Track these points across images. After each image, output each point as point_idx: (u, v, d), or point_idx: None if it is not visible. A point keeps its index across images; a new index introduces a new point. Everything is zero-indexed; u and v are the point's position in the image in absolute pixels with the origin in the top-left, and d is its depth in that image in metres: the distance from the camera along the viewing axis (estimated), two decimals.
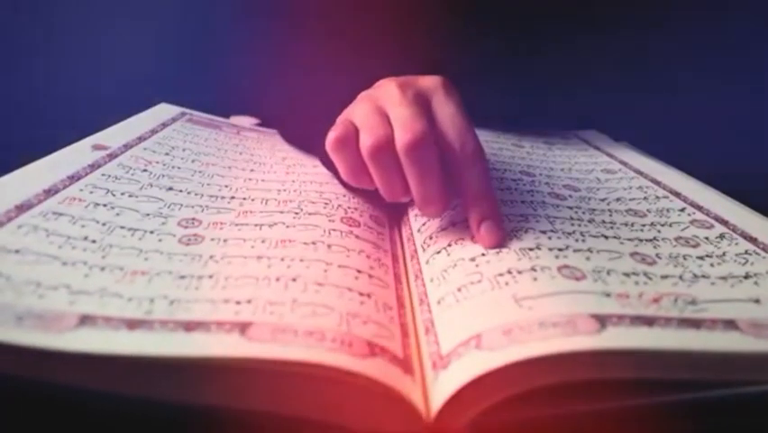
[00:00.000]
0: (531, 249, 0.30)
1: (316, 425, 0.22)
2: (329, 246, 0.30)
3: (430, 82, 0.33)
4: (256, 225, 0.32)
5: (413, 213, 0.38)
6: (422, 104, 0.31)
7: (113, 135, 0.42)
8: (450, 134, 0.31)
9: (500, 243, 0.31)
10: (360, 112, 0.32)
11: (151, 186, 0.36)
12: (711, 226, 0.36)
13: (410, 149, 0.30)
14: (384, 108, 0.32)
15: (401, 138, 0.30)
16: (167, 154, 0.41)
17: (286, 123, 0.51)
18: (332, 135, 0.31)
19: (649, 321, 0.24)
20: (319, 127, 0.37)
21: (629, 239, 0.33)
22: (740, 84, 0.54)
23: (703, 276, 0.30)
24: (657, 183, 0.43)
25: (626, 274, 0.29)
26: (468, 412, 0.22)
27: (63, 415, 0.22)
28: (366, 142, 0.30)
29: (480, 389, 0.22)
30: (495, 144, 0.48)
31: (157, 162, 0.40)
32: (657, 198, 0.40)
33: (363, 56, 0.45)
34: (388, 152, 0.30)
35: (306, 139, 0.46)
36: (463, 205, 0.32)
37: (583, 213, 0.36)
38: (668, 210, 0.38)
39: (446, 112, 0.31)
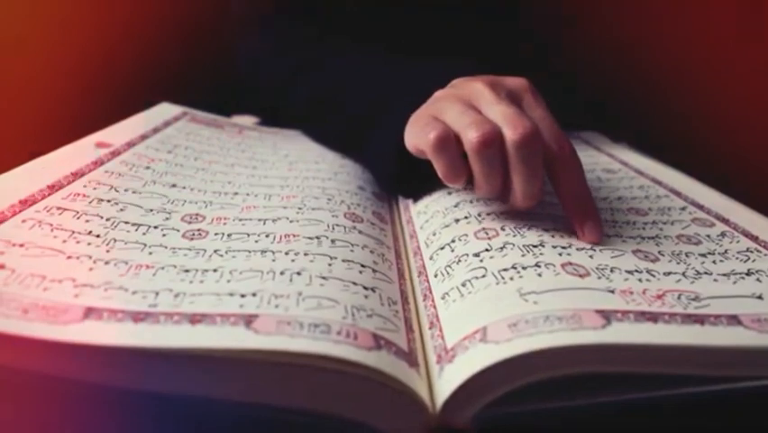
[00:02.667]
0: (535, 246, 0.30)
1: (322, 417, 0.22)
2: (333, 241, 0.30)
3: (518, 83, 0.33)
4: (260, 220, 0.32)
5: (415, 210, 0.38)
6: (516, 102, 0.32)
7: (115, 133, 0.42)
8: (547, 136, 0.31)
9: (601, 239, 0.32)
10: (452, 111, 0.32)
11: (155, 183, 0.36)
12: (712, 225, 0.36)
13: (522, 145, 0.29)
14: (478, 107, 0.32)
15: (512, 134, 0.30)
16: (169, 152, 0.41)
17: (318, 123, 0.50)
18: (433, 135, 0.31)
19: (653, 317, 0.25)
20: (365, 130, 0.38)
21: (631, 237, 0.33)
22: (740, 83, 0.55)
23: (706, 273, 0.30)
24: (658, 183, 0.43)
25: (630, 271, 0.29)
26: (473, 405, 0.22)
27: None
28: (473, 138, 0.30)
29: (485, 382, 0.22)
30: None
31: (160, 160, 0.40)
32: (658, 197, 0.40)
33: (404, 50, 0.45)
34: (496, 147, 0.30)
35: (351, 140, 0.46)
36: (564, 205, 0.33)
37: None
38: (669, 209, 0.38)
39: (538, 114, 0.32)
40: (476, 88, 0.33)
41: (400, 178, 0.40)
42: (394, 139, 0.36)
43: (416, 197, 0.40)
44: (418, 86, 0.37)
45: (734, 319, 0.25)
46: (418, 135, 0.32)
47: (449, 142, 0.31)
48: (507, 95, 0.32)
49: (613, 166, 0.47)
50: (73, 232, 0.28)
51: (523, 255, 0.29)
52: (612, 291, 0.26)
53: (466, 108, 0.32)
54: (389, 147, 0.38)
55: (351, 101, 0.45)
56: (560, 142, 0.31)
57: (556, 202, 0.37)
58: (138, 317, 0.22)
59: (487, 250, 0.30)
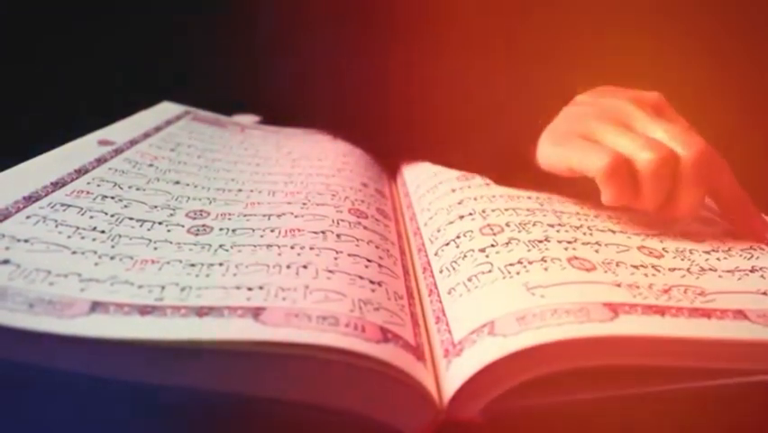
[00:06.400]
0: (540, 241, 0.30)
1: (329, 411, 0.22)
2: (338, 236, 0.30)
3: (656, 98, 0.34)
4: (264, 215, 0.32)
5: (419, 207, 0.38)
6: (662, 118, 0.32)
7: (118, 131, 0.42)
8: None
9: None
10: (608, 132, 0.32)
11: (158, 180, 0.36)
12: (715, 223, 0.36)
13: (699, 164, 0.30)
14: (631, 125, 0.32)
15: (689, 154, 0.30)
16: (172, 150, 0.41)
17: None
18: (607, 162, 0.30)
19: (661, 310, 0.25)
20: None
21: (636, 234, 0.33)
22: (740, 83, 0.55)
23: (710, 269, 0.30)
24: None
25: (635, 266, 0.29)
26: (481, 399, 0.22)
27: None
28: (652, 159, 0.30)
29: (493, 375, 0.22)
30: None
31: (163, 158, 0.40)
32: None
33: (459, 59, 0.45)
34: (673, 168, 0.30)
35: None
36: (725, 211, 0.34)
37: (589, 208, 0.36)
38: None
39: (684, 126, 0.33)
40: (623, 106, 0.33)
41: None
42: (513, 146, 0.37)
43: None
44: (537, 97, 0.37)
45: (740, 314, 0.25)
46: (580, 159, 0.32)
47: (622, 167, 0.31)
48: (656, 111, 0.33)
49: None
50: (78, 228, 0.28)
51: (528, 250, 0.29)
52: (619, 285, 0.26)
53: (622, 128, 0.32)
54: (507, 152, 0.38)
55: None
56: (713, 155, 0.31)
57: (558, 198, 0.37)
58: (145, 310, 0.22)
59: (492, 245, 0.30)
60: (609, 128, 0.32)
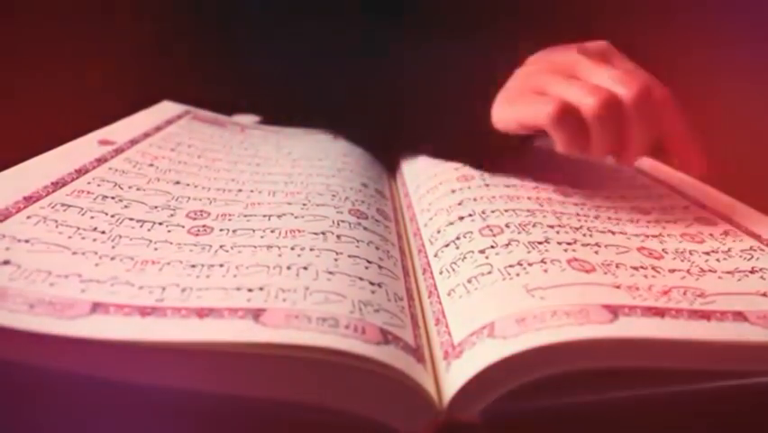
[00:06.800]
0: (540, 242, 0.30)
1: (328, 412, 0.22)
2: (338, 237, 0.30)
3: (603, 46, 0.34)
4: (264, 216, 0.32)
5: (419, 207, 0.38)
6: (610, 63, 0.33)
7: (118, 131, 0.42)
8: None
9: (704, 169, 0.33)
10: (556, 83, 0.33)
11: (159, 180, 0.36)
12: (715, 223, 0.36)
13: (641, 101, 0.31)
14: (579, 74, 0.33)
15: (629, 93, 0.31)
16: (173, 150, 0.41)
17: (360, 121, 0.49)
18: (549, 110, 0.31)
19: (660, 312, 0.25)
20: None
21: (635, 235, 0.33)
22: (740, 82, 0.55)
23: (710, 270, 0.30)
24: (660, 182, 0.44)
25: (635, 268, 0.29)
26: (481, 400, 0.22)
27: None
28: (593, 103, 0.31)
29: (492, 377, 0.22)
30: None
31: (163, 157, 0.40)
32: (661, 195, 0.41)
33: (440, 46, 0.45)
34: (617, 109, 0.31)
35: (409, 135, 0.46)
36: (669, 144, 0.33)
37: (589, 209, 0.36)
38: (672, 207, 0.38)
39: (630, 67, 0.33)
40: (570, 58, 0.34)
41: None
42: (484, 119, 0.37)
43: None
44: (492, 69, 0.38)
45: (740, 316, 0.25)
46: (528, 111, 0.33)
47: (569, 113, 0.31)
48: (602, 58, 0.33)
49: (615, 165, 0.47)
50: (78, 228, 0.28)
51: (528, 252, 0.29)
52: (618, 287, 0.26)
53: (570, 78, 0.33)
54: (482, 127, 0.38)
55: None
56: (660, 89, 0.32)
57: (558, 199, 0.37)
58: (145, 311, 0.22)
59: (492, 247, 0.30)
60: (555, 79, 0.33)
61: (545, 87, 0.33)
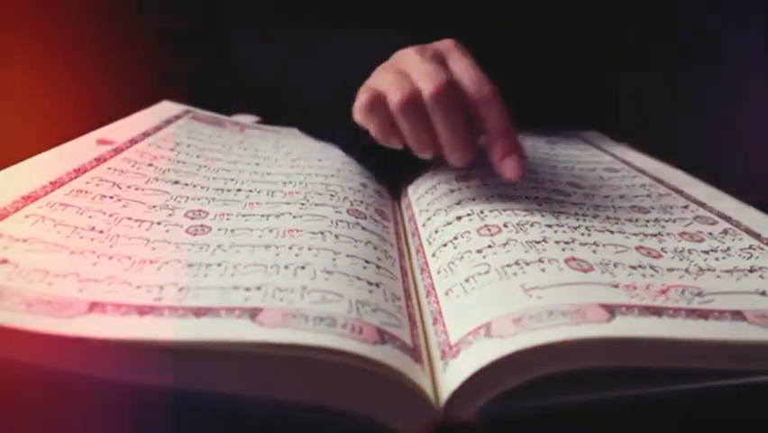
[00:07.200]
0: (538, 242, 0.30)
1: (325, 411, 0.22)
2: (336, 236, 0.30)
3: (444, 43, 0.35)
4: (263, 215, 0.32)
5: (417, 208, 0.38)
6: (440, 61, 0.34)
7: (117, 130, 0.42)
8: (467, 83, 0.33)
9: (522, 174, 0.34)
10: (381, 78, 0.34)
11: (157, 179, 0.36)
12: (714, 222, 0.36)
13: (436, 98, 0.32)
14: (405, 70, 0.34)
15: (427, 89, 0.32)
16: (171, 150, 0.41)
17: (303, 113, 0.52)
18: (359, 102, 0.33)
19: (658, 311, 0.25)
20: (338, 115, 0.38)
21: (634, 234, 0.33)
22: (740, 82, 0.55)
23: (709, 269, 0.30)
24: (660, 181, 0.43)
25: (633, 267, 0.29)
26: (478, 400, 0.22)
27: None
28: (395, 98, 0.32)
29: (490, 376, 0.22)
30: None
31: (162, 157, 0.40)
32: (660, 195, 0.41)
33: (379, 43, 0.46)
34: (417, 105, 0.32)
35: (326, 127, 0.47)
36: (488, 143, 0.34)
37: (588, 209, 0.36)
38: (671, 207, 0.38)
39: (462, 65, 0.34)
40: (404, 54, 0.35)
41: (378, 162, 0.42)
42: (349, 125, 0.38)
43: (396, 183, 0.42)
44: (361, 68, 0.38)
45: (738, 315, 0.25)
46: (354, 105, 0.34)
47: (375, 105, 0.33)
48: (432, 55, 0.34)
49: (615, 165, 0.47)
50: (76, 228, 0.28)
51: (526, 251, 0.29)
52: (616, 286, 0.26)
53: (394, 73, 0.34)
54: (349, 134, 0.39)
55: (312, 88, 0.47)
56: (479, 85, 0.33)
57: (557, 199, 0.37)
58: (143, 310, 0.22)
59: (490, 246, 0.30)
60: (384, 75, 0.34)
61: (374, 84, 0.35)
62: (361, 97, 0.33)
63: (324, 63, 0.47)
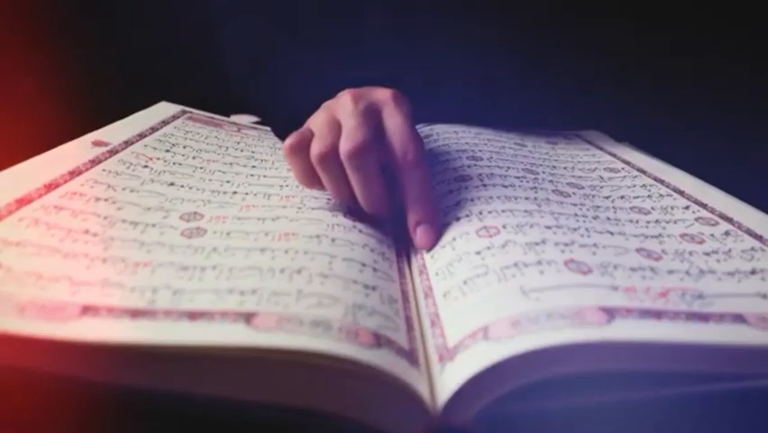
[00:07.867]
0: (537, 243, 0.30)
1: (322, 416, 0.22)
2: (333, 240, 0.30)
3: (382, 95, 0.35)
4: (259, 218, 0.32)
5: None
6: (370, 115, 0.34)
7: (113, 132, 0.42)
8: (395, 143, 0.33)
9: (432, 245, 0.33)
10: (317, 120, 0.35)
11: (153, 181, 0.36)
12: (716, 224, 0.36)
13: (350, 156, 0.32)
14: (338, 118, 0.34)
15: (343, 146, 0.32)
16: (167, 151, 0.41)
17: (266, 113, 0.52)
18: (287, 142, 0.33)
19: (657, 314, 0.24)
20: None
21: (634, 235, 0.33)
22: (740, 82, 0.54)
23: (710, 271, 0.29)
24: (660, 182, 0.43)
25: (633, 269, 0.28)
26: (475, 404, 0.22)
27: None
28: (314, 150, 0.33)
29: (487, 380, 0.22)
30: (497, 143, 0.48)
31: (158, 159, 0.39)
32: (661, 195, 0.40)
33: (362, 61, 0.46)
34: (334, 159, 0.33)
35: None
36: (405, 208, 0.34)
37: (588, 210, 0.36)
38: (672, 208, 0.38)
39: (394, 122, 0.34)
40: (342, 100, 0.35)
41: None
42: None
43: None
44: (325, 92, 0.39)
45: (739, 318, 0.25)
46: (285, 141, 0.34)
47: (300, 148, 0.33)
48: (366, 106, 0.34)
49: (615, 165, 0.47)
50: (70, 230, 0.28)
51: (525, 253, 0.29)
52: (615, 289, 0.26)
53: (326, 120, 0.34)
54: None
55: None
56: (405, 147, 0.33)
57: (557, 200, 0.37)
58: (136, 313, 0.22)
59: (488, 248, 0.30)
60: (319, 119, 0.35)
61: (311, 125, 0.35)
62: (291, 138, 0.33)
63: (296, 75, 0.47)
